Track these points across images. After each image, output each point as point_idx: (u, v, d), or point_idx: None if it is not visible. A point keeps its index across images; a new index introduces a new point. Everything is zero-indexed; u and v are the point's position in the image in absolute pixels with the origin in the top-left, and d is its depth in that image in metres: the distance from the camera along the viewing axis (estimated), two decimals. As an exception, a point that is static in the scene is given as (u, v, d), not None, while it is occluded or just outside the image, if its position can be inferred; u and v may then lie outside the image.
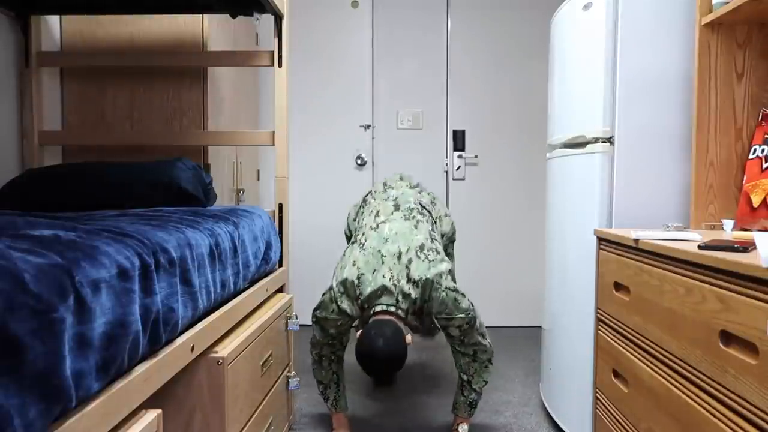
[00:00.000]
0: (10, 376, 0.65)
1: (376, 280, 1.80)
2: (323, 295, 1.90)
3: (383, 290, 1.79)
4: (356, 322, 2.05)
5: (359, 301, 1.83)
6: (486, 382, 1.99)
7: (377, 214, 2.01)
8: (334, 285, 1.87)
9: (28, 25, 2.14)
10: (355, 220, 2.26)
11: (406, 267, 1.82)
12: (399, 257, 1.83)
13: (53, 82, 2.32)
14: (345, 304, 1.85)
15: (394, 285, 1.79)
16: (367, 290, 1.80)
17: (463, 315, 1.85)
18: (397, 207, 2.03)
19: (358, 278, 1.82)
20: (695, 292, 1.19)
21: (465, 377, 1.98)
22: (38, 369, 0.69)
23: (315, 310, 1.91)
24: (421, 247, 1.87)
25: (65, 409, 0.75)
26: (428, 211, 2.11)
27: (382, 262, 1.82)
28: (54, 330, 0.72)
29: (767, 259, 0.94)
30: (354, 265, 1.85)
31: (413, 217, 1.99)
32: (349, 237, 2.32)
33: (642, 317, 1.45)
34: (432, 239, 1.94)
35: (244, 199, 2.94)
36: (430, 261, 1.85)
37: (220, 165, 2.54)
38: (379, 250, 1.85)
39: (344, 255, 1.94)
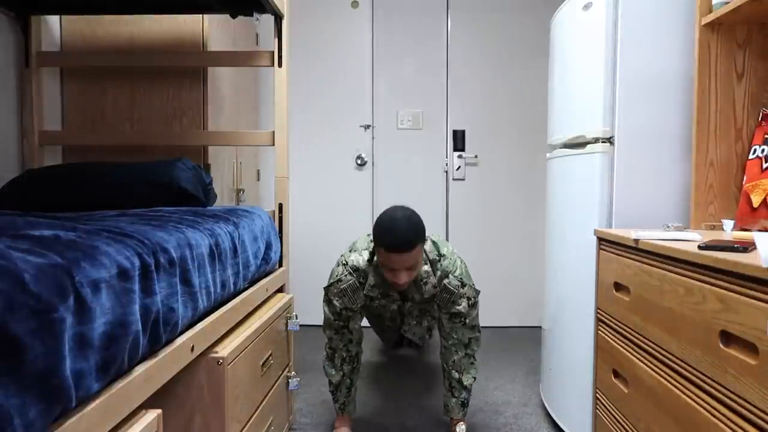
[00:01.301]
0: (10, 376, 0.65)
1: None
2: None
3: None
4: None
5: (370, 243, 1.94)
6: (474, 379, 2.02)
7: None
8: (344, 251, 2.01)
9: (28, 25, 2.14)
10: None
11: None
12: None
13: (53, 82, 2.32)
14: (352, 257, 1.95)
15: None
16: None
17: (473, 285, 1.97)
18: None
19: (368, 235, 1.97)
20: (695, 292, 1.19)
21: (456, 375, 2.01)
22: (38, 369, 0.69)
23: (324, 287, 2.00)
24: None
25: (65, 409, 0.75)
26: None
27: None
28: (54, 330, 0.72)
29: (767, 259, 0.94)
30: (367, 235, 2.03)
31: None
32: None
33: (642, 317, 1.45)
34: None
35: (244, 199, 2.94)
36: (440, 238, 2.03)
37: (220, 165, 2.54)
38: None
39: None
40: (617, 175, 1.81)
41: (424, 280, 1.93)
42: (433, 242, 1.98)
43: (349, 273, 1.93)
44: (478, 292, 1.99)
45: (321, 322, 3.64)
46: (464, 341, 1.99)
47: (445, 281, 1.92)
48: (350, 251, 1.99)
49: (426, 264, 1.93)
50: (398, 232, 1.71)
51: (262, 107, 3.40)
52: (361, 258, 1.94)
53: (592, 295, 1.83)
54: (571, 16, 2.04)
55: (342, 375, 2.03)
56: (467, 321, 1.96)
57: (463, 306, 1.94)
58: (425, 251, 1.93)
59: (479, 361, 2.15)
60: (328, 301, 1.98)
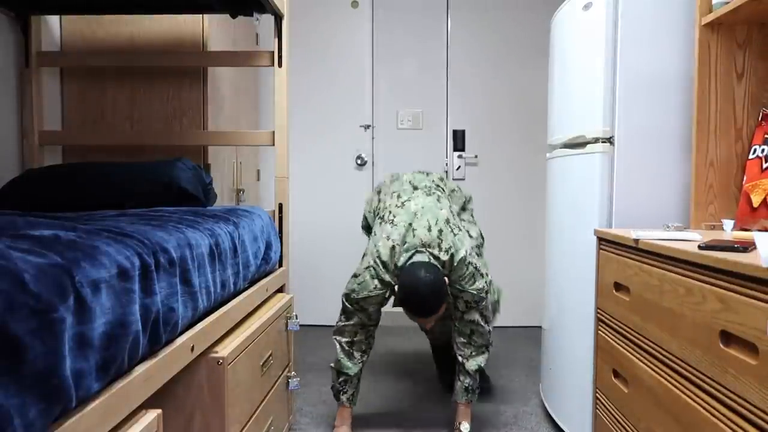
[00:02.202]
0: (10, 376, 0.65)
1: (410, 248, 1.91)
2: (357, 276, 1.96)
3: (416, 252, 1.89)
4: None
5: (395, 269, 1.92)
6: (479, 366, 2.02)
7: (398, 196, 2.08)
8: (372, 261, 1.94)
9: (28, 25, 2.14)
10: (371, 211, 2.29)
11: (438, 237, 1.92)
12: (429, 230, 1.93)
13: (53, 82, 2.32)
14: (387, 276, 1.93)
15: (426, 248, 1.90)
16: (401, 259, 1.90)
17: (474, 292, 1.94)
18: (415, 187, 2.12)
19: (393, 248, 1.92)
20: (695, 292, 1.19)
21: (460, 359, 2.03)
22: (38, 369, 0.69)
23: (351, 294, 1.95)
24: (447, 221, 1.97)
25: (65, 409, 0.75)
26: (441, 188, 2.20)
27: (414, 235, 1.92)
28: (54, 330, 0.72)
29: (767, 259, 0.94)
30: (388, 239, 1.94)
31: (433, 192, 2.09)
32: (368, 228, 2.33)
33: (642, 317, 1.45)
34: (453, 214, 2.05)
35: (244, 199, 2.94)
36: (455, 234, 1.95)
37: (220, 165, 2.54)
38: (410, 223, 1.95)
39: (375, 234, 2.02)
40: (617, 175, 1.81)
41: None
42: (451, 256, 1.91)
43: (384, 287, 1.94)
44: (481, 298, 1.96)
45: (321, 322, 3.64)
46: (465, 332, 2.01)
47: (450, 282, 1.96)
48: (382, 266, 1.92)
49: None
50: (422, 301, 1.80)
51: (262, 107, 3.40)
52: (393, 279, 1.93)
53: (592, 295, 1.83)
54: (571, 16, 2.04)
55: (360, 367, 2.03)
56: (465, 317, 1.99)
57: (460, 306, 1.99)
58: (441, 264, 1.92)
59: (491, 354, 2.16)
60: (361, 309, 1.96)
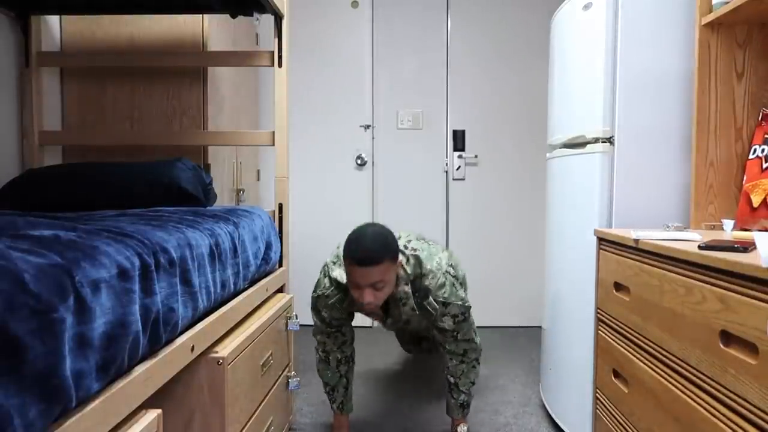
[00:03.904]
0: (10, 376, 0.65)
1: None
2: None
3: None
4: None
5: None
6: (473, 383, 1.99)
7: None
8: (327, 260, 1.92)
9: (28, 25, 2.14)
10: None
11: (404, 246, 1.87)
12: (399, 238, 1.90)
13: (53, 82, 2.32)
14: (336, 272, 1.85)
15: None
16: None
17: (459, 302, 1.86)
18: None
19: None
20: (695, 292, 1.19)
21: (452, 380, 1.98)
22: (38, 369, 0.69)
23: (312, 294, 1.94)
24: (420, 238, 1.95)
25: (65, 409, 0.75)
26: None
27: None
28: (54, 330, 0.72)
29: (767, 259, 0.94)
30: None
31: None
32: None
33: (642, 317, 1.45)
34: (435, 245, 1.99)
35: (244, 199, 2.94)
36: (429, 245, 1.91)
37: (220, 165, 2.54)
38: None
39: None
40: (617, 175, 1.81)
41: (403, 301, 1.82)
42: (416, 258, 1.83)
43: (335, 287, 1.86)
44: (467, 308, 1.89)
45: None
46: (459, 352, 1.94)
47: (425, 302, 1.83)
48: (334, 263, 1.88)
49: (407, 285, 1.81)
50: (364, 244, 1.64)
51: (262, 107, 3.40)
52: (344, 274, 1.78)
53: (592, 295, 1.83)
54: (571, 16, 2.04)
55: (339, 376, 2.01)
56: (458, 336, 1.91)
57: (447, 324, 1.87)
58: (404, 271, 1.81)
59: (481, 364, 2.11)
60: (316, 310, 1.93)
